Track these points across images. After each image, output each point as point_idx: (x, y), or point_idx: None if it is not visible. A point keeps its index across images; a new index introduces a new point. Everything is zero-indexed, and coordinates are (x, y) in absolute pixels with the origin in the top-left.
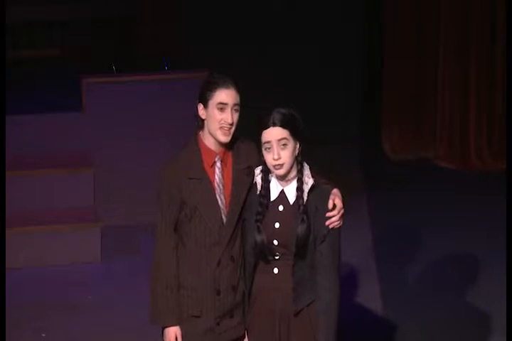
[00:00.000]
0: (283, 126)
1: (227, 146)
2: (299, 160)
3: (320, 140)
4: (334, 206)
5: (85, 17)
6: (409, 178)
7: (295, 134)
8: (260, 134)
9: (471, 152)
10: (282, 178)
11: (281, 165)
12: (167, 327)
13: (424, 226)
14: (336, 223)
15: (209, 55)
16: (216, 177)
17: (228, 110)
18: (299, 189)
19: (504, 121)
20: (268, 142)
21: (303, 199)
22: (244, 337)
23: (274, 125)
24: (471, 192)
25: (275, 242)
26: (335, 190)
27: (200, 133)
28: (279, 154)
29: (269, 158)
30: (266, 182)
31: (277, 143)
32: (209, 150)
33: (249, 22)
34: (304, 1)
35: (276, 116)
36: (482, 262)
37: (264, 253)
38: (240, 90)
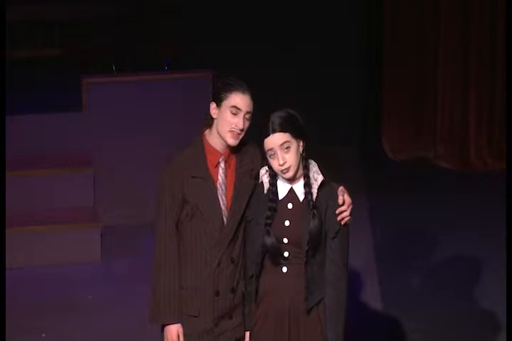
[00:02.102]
0: (283, 130)
1: (232, 148)
2: (303, 157)
3: (320, 140)
4: (343, 202)
5: (85, 17)
6: (409, 178)
7: (296, 134)
8: (262, 142)
9: (471, 152)
10: (291, 179)
11: (287, 169)
12: (169, 324)
13: (424, 226)
14: (347, 218)
15: (209, 55)
16: (219, 177)
17: (241, 115)
18: (307, 185)
19: (504, 121)
20: (271, 149)
21: (312, 194)
22: (244, 339)
23: (274, 131)
24: (471, 192)
25: (285, 241)
26: (342, 187)
27: (206, 132)
28: (284, 159)
29: (275, 164)
30: (273, 185)
31: (280, 148)
32: (214, 150)
33: (249, 22)
34: (304, 1)
35: (274, 121)
36: (482, 262)
37: (274, 256)
38: (254, 99)
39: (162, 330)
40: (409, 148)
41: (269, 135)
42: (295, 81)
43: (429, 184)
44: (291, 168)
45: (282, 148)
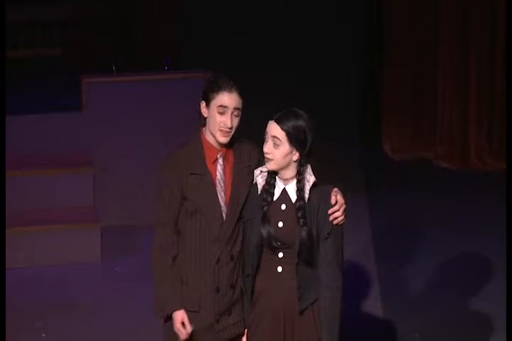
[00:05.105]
0: (282, 127)
1: (229, 144)
2: (296, 165)
3: (320, 140)
4: (336, 202)
5: (85, 17)
6: (409, 178)
7: (293, 141)
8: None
9: (471, 152)
10: (277, 174)
11: (268, 160)
12: (173, 311)
13: (424, 226)
14: (339, 219)
15: (209, 55)
16: (218, 174)
17: (228, 114)
18: (299, 189)
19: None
20: (266, 133)
21: (304, 198)
22: (243, 335)
23: (276, 121)
24: (471, 192)
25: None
26: (336, 188)
27: (203, 129)
28: (269, 149)
29: (264, 147)
30: (272, 178)
31: (271, 139)
32: (212, 146)
33: (249, 22)
34: (303, 1)
35: (284, 115)
36: (482, 262)
37: (270, 244)
38: (242, 95)
39: (164, 325)
40: (409, 148)
41: (271, 119)
42: (295, 81)
43: (429, 184)
44: (272, 162)
45: (272, 140)
